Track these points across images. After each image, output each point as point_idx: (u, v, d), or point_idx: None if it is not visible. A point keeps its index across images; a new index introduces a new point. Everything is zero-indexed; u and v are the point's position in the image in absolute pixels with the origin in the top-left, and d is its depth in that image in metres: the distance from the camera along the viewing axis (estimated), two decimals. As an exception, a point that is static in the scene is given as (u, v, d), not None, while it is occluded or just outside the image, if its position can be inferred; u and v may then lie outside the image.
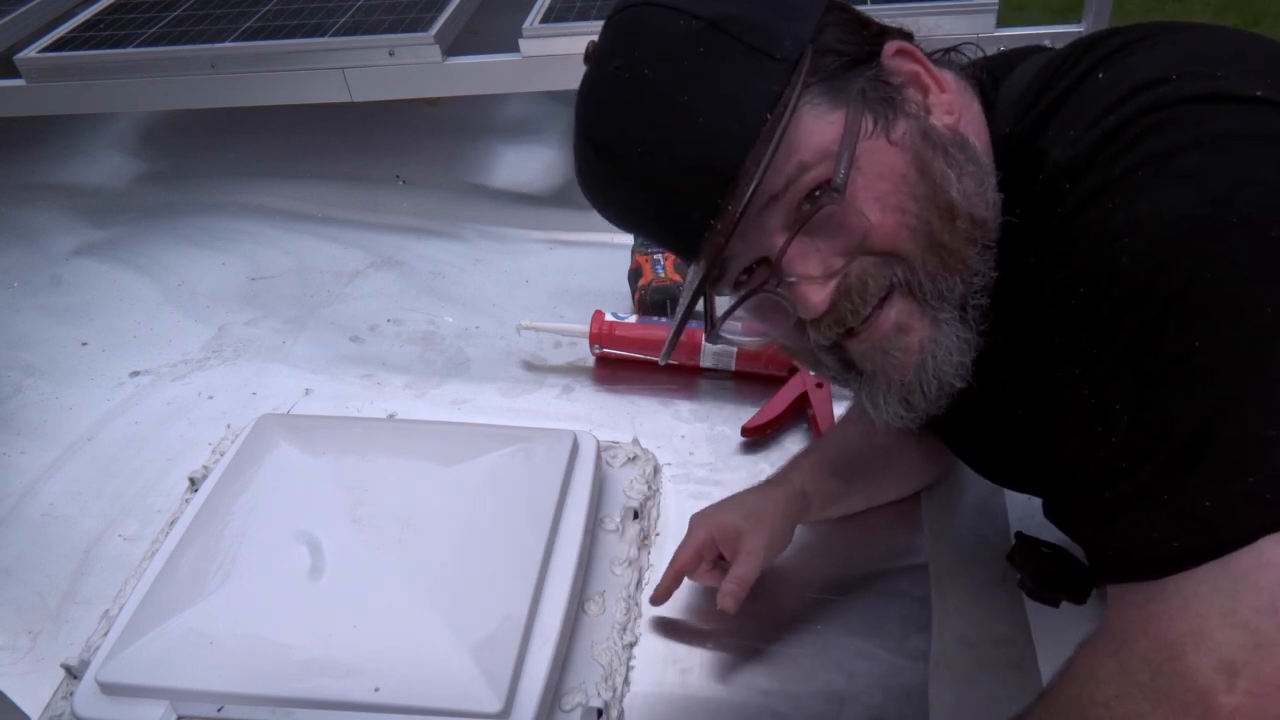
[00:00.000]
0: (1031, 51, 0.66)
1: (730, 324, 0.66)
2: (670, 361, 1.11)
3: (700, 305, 0.65)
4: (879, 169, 0.58)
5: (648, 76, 0.58)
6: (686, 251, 0.62)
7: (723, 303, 0.67)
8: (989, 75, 0.65)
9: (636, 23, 0.59)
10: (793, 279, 0.60)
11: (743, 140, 0.56)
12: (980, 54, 0.67)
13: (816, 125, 0.58)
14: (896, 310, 0.61)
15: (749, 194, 0.55)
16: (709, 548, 0.83)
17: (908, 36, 0.64)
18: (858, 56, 0.60)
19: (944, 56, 0.66)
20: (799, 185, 0.58)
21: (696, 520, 0.85)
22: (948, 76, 0.63)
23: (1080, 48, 0.60)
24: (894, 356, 0.62)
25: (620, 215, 0.64)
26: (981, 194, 0.59)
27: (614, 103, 0.59)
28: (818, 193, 0.58)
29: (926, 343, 0.61)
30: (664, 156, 0.58)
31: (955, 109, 0.61)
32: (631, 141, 0.59)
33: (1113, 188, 0.51)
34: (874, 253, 0.59)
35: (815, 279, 0.59)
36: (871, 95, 0.59)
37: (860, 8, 0.65)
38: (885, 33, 0.63)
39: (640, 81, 0.58)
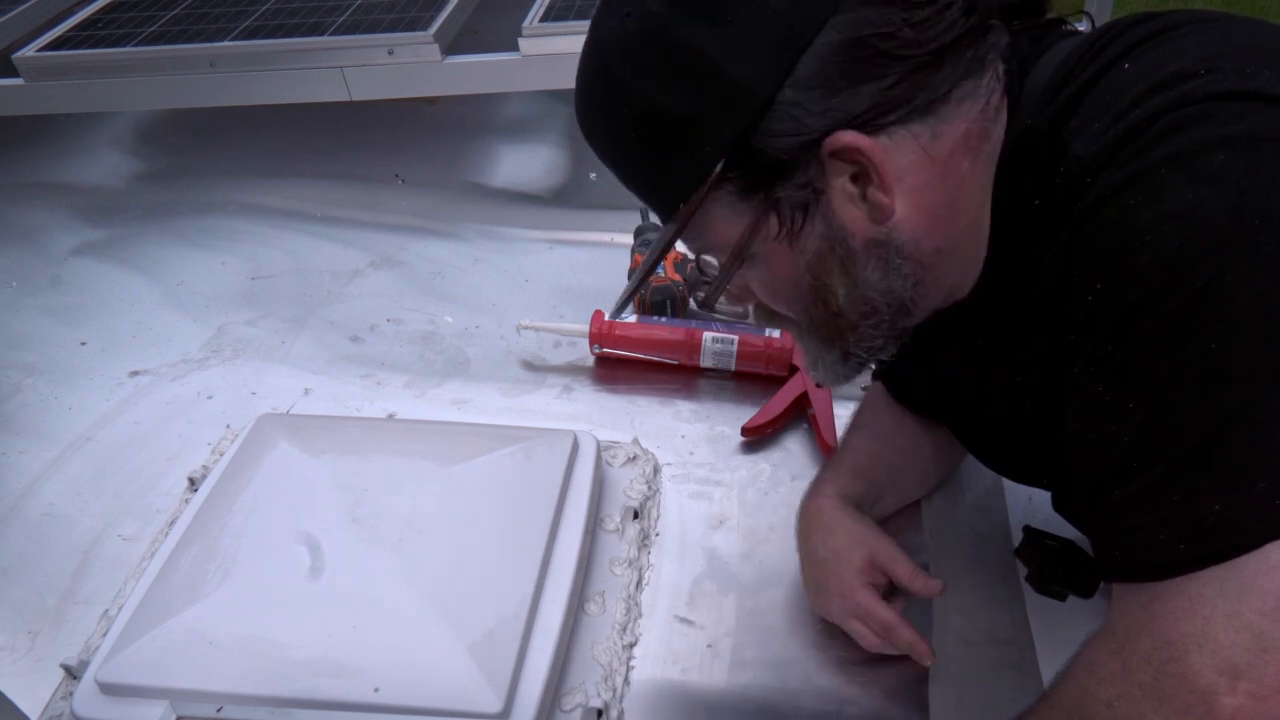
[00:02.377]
0: (1061, 35, 0.62)
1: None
2: (670, 361, 1.12)
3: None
4: (775, 269, 0.63)
5: (601, 123, 0.62)
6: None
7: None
8: (1019, 64, 0.60)
9: (596, 75, 0.61)
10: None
11: (664, 209, 0.63)
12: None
13: (722, 223, 0.61)
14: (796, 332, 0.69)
15: (666, 243, 0.63)
16: (877, 593, 0.78)
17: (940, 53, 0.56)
18: (787, 155, 0.57)
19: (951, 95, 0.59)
20: (714, 253, 0.65)
21: (845, 595, 0.78)
22: (948, 134, 0.57)
23: (1109, 34, 0.58)
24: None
25: None
26: (882, 291, 0.62)
27: (584, 115, 0.63)
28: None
29: (810, 356, 0.69)
30: (617, 174, 0.64)
31: (890, 210, 0.58)
32: (597, 147, 0.64)
33: (1135, 185, 0.50)
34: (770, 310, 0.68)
35: (733, 297, 0.69)
36: (788, 198, 0.58)
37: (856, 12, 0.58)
38: (858, 96, 0.56)
39: (597, 118, 0.62)
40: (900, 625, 0.76)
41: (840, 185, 0.58)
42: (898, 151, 0.57)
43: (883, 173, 0.57)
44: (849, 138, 0.56)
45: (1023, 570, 0.83)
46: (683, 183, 0.59)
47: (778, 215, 0.59)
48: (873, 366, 0.73)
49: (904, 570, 0.77)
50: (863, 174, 0.58)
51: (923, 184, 0.58)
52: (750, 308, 0.71)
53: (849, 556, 0.79)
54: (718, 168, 0.58)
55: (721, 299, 0.68)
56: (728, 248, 0.62)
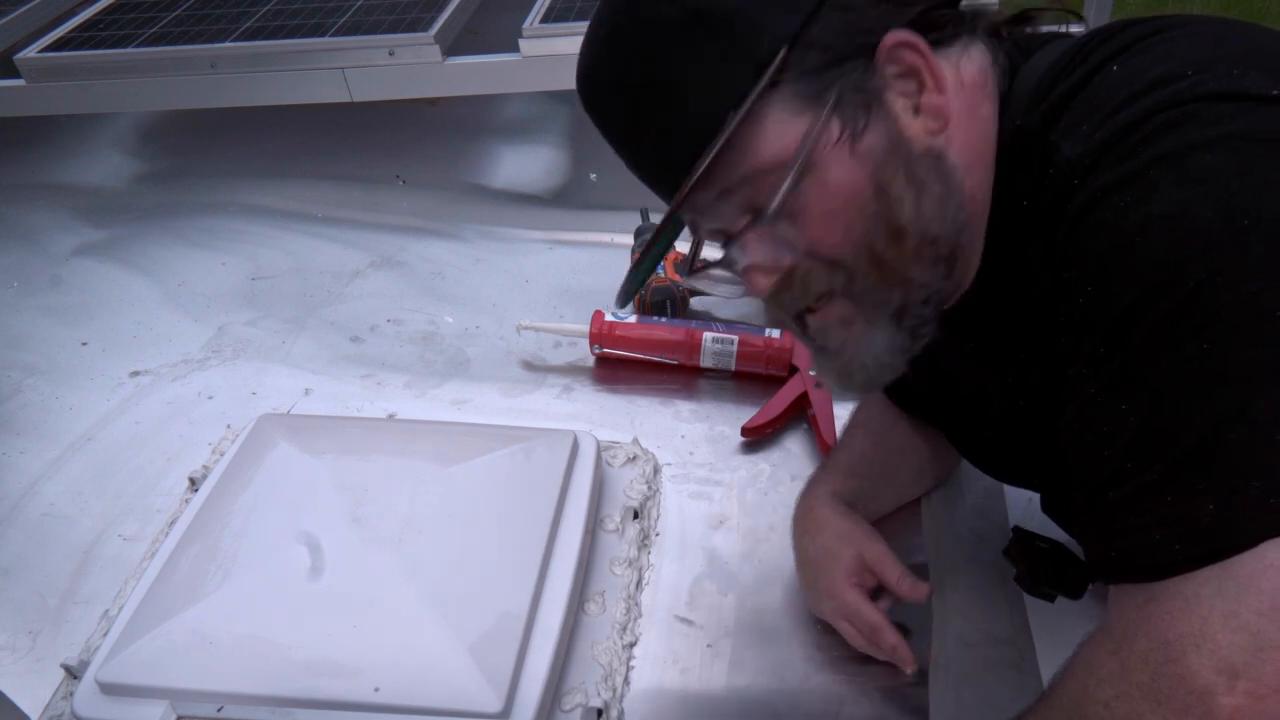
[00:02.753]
0: (1050, 38, 0.63)
1: (710, 274, 0.67)
2: (670, 361, 1.12)
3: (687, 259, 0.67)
4: (834, 181, 0.58)
5: (627, 52, 0.59)
6: (663, 199, 0.63)
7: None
8: (1008, 62, 0.62)
9: None
10: (740, 266, 0.62)
11: (700, 137, 0.56)
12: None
13: (778, 129, 0.57)
14: (839, 307, 0.63)
15: (690, 186, 0.57)
16: (866, 592, 0.78)
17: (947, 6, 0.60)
18: (845, 52, 0.57)
19: (960, 36, 0.62)
20: (755, 184, 0.59)
21: (833, 594, 0.78)
22: (968, 69, 0.60)
23: (1097, 38, 0.59)
24: (833, 340, 0.64)
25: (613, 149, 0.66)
26: (940, 214, 0.59)
27: (599, 66, 0.61)
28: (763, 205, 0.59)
29: (861, 339, 0.63)
30: (635, 130, 0.60)
31: (946, 114, 0.59)
32: (610, 106, 0.61)
33: (1124, 186, 0.51)
34: (818, 258, 0.60)
35: (762, 268, 0.61)
36: (848, 98, 0.57)
37: None
38: (902, 11, 0.59)
39: (622, 55, 0.59)
40: (886, 628, 0.76)
41: (897, 89, 0.58)
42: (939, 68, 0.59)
43: (937, 73, 0.58)
44: (905, 35, 0.57)
45: (1011, 570, 0.83)
46: (738, 84, 0.56)
47: (839, 117, 0.57)
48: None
49: (892, 572, 0.77)
50: (916, 80, 0.58)
51: (958, 110, 0.60)
52: (762, 304, 0.66)
53: (838, 555, 0.79)
54: (777, 61, 0.56)
55: (725, 286, 0.66)
56: (783, 160, 0.57)
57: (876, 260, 0.59)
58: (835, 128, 0.57)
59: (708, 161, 0.56)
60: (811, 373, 1.05)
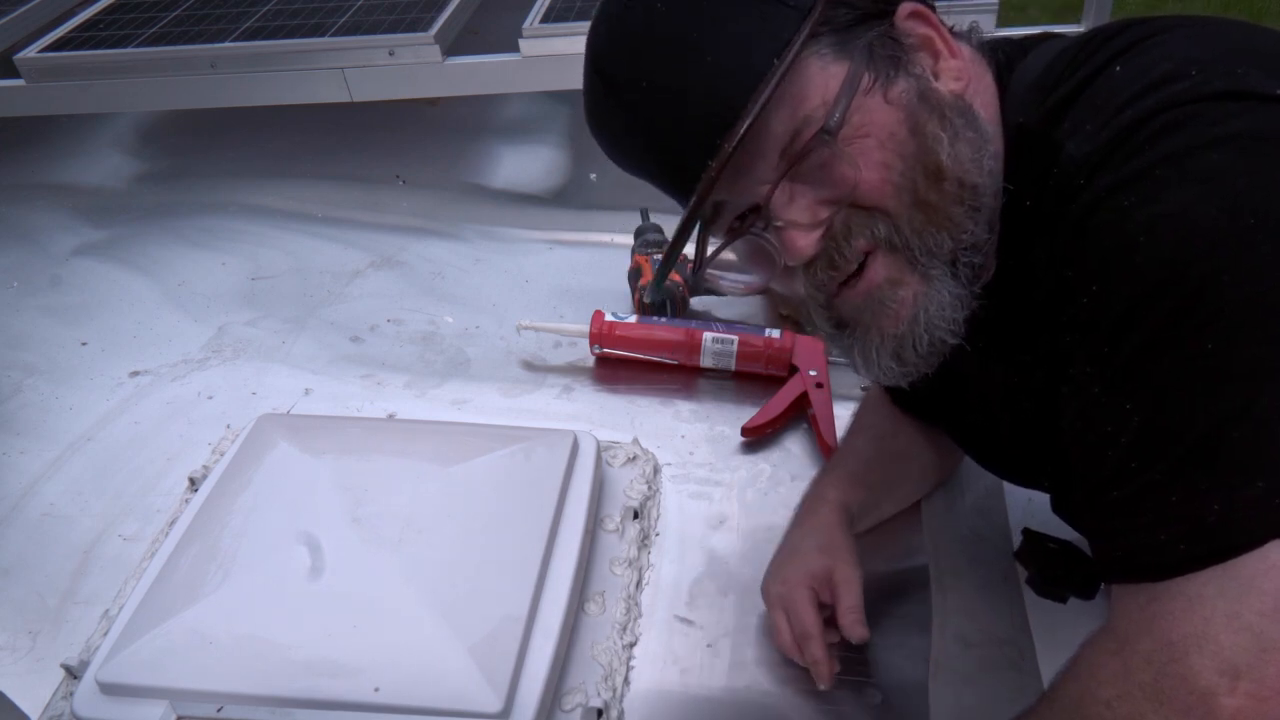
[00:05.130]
0: (1045, 38, 0.65)
1: (722, 274, 0.66)
2: (670, 361, 1.12)
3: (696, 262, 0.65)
4: (868, 126, 0.59)
5: (661, 11, 0.58)
6: (683, 192, 0.62)
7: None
8: (1004, 58, 0.64)
9: None
10: (780, 223, 0.61)
11: (747, 83, 0.56)
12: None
13: (819, 76, 0.59)
14: (884, 266, 0.61)
15: (743, 131, 0.55)
16: (815, 599, 0.78)
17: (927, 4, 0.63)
18: (870, 12, 0.60)
19: (962, 32, 0.65)
20: (795, 133, 0.59)
21: (786, 584, 0.79)
22: (962, 47, 0.63)
23: (1099, 38, 0.59)
24: (888, 308, 0.62)
25: (623, 151, 0.64)
26: (976, 160, 0.59)
27: (624, 36, 0.60)
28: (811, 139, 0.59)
29: (920, 296, 0.61)
30: (669, 94, 0.58)
31: (964, 76, 0.61)
32: (638, 76, 0.59)
33: (1129, 186, 0.51)
34: (859, 206, 0.60)
35: (801, 225, 0.60)
36: (878, 51, 0.59)
37: None
38: None
39: (653, 16, 0.59)
40: (817, 640, 0.76)
41: (917, 51, 0.61)
42: None
43: (949, 40, 0.61)
44: (918, 5, 0.61)
45: (1023, 573, 0.83)
46: (784, 30, 0.57)
47: (871, 68, 0.59)
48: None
49: (847, 599, 0.76)
50: (932, 45, 0.61)
51: (976, 73, 0.62)
52: (780, 300, 0.67)
53: (813, 558, 0.79)
54: (819, 9, 0.57)
55: (728, 278, 0.67)
56: (824, 104, 0.58)
57: (919, 202, 0.59)
58: (868, 77, 0.59)
59: (763, 101, 0.55)
60: (812, 373, 1.05)
